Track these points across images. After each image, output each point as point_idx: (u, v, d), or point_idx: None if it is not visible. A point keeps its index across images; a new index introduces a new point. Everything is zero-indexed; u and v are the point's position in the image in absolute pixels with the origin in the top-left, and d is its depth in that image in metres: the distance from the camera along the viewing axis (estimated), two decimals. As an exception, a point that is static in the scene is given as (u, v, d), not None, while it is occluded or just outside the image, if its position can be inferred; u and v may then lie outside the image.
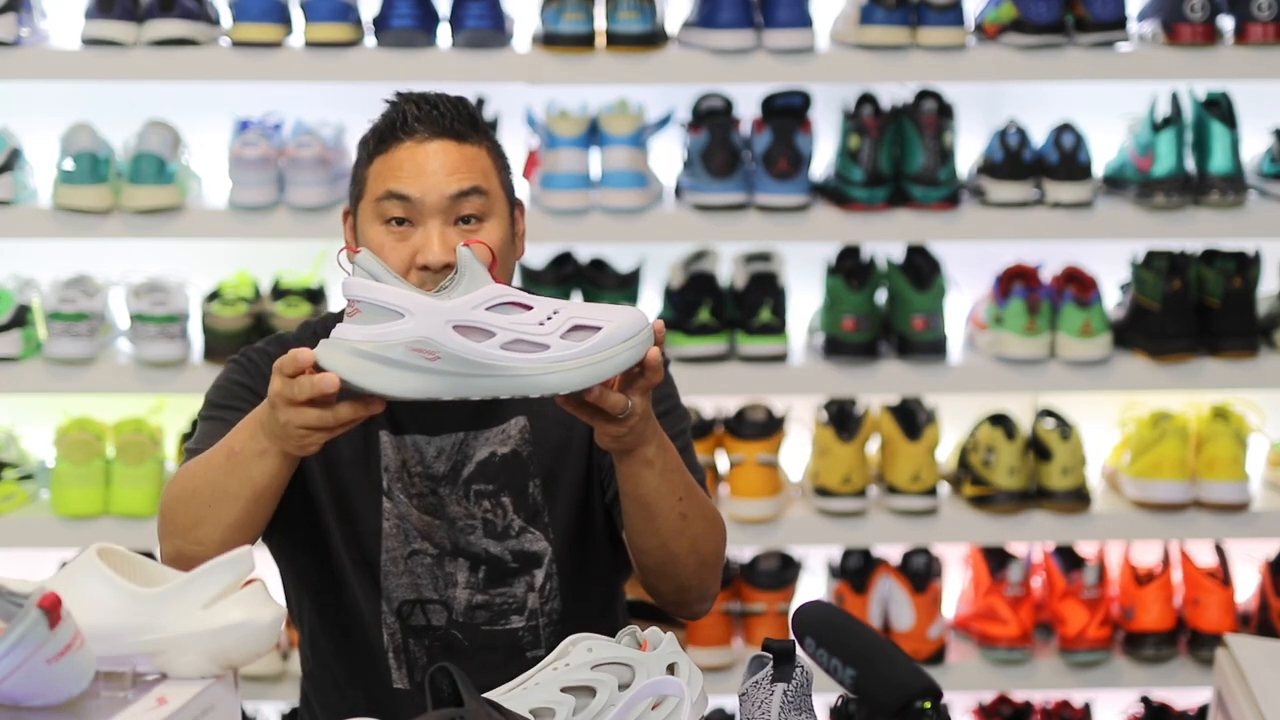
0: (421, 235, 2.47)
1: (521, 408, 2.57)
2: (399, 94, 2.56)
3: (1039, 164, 4.05)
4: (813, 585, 4.19)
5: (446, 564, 2.54)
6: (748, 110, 4.08)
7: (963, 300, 4.21)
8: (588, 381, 2.14)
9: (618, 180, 3.96)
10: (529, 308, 2.16)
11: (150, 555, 2.21)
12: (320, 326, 2.66)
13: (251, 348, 2.63)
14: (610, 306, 2.18)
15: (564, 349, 2.14)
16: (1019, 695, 4.15)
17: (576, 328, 2.15)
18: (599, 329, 2.15)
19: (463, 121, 2.52)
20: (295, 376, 2.16)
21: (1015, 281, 4.06)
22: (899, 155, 4.04)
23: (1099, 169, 4.15)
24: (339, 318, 2.64)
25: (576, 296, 4.04)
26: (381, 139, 2.52)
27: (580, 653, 2.20)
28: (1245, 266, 4.08)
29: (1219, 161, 4.03)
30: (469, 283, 2.16)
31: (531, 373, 2.13)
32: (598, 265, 4.11)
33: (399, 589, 2.54)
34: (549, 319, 2.15)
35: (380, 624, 2.54)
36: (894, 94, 4.09)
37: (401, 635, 2.54)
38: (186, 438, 3.96)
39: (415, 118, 2.51)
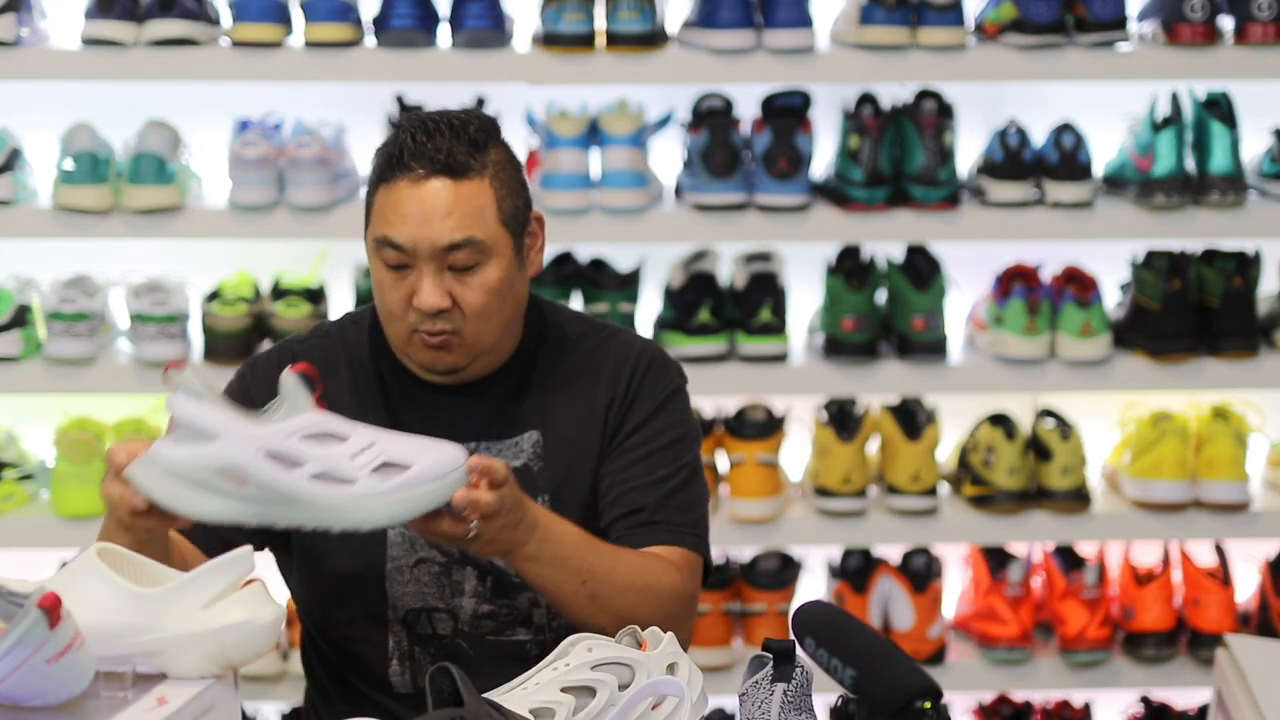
0: (416, 278, 2.45)
1: (535, 422, 2.56)
2: (405, 115, 2.51)
3: (1039, 164, 4.05)
4: (813, 585, 4.19)
5: (454, 572, 2.53)
6: (748, 110, 4.08)
7: (963, 300, 4.21)
8: (392, 519, 2.18)
9: (618, 180, 3.96)
10: (344, 439, 2.18)
11: (150, 555, 2.21)
12: (336, 330, 2.64)
13: (258, 357, 2.63)
14: (430, 443, 2.22)
15: (369, 485, 2.16)
16: (1019, 695, 4.15)
17: (385, 465, 2.17)
18: (407, 468, 2.17)
19: (464, 150, 2.45)
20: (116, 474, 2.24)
21: (1015, 281, 4.06)
22: (899, 155, 4.04)
23: (1099, 169, 4.14)
24: (351, 323, 2.64)
25: (576, 296, 4.04)
26: (384, 168, 2.47)
27: (580, 653, 2.20)
28: (1245, 266, 4.08)
29: (1219, 161, 4.03)
30: (289, 408, 2.18)
31: (336, 506, 2.16)
32: (598, 265, 4.11)
33: (405, 597, 2.53)
34: (362, 452, 2.17)
35: (386, 631, 2.54)
36: (894, 94, 4.09)
37: (408, 643, 2.54)
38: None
39: (411, 153, 2.44)
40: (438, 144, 2.44)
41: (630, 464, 2.55)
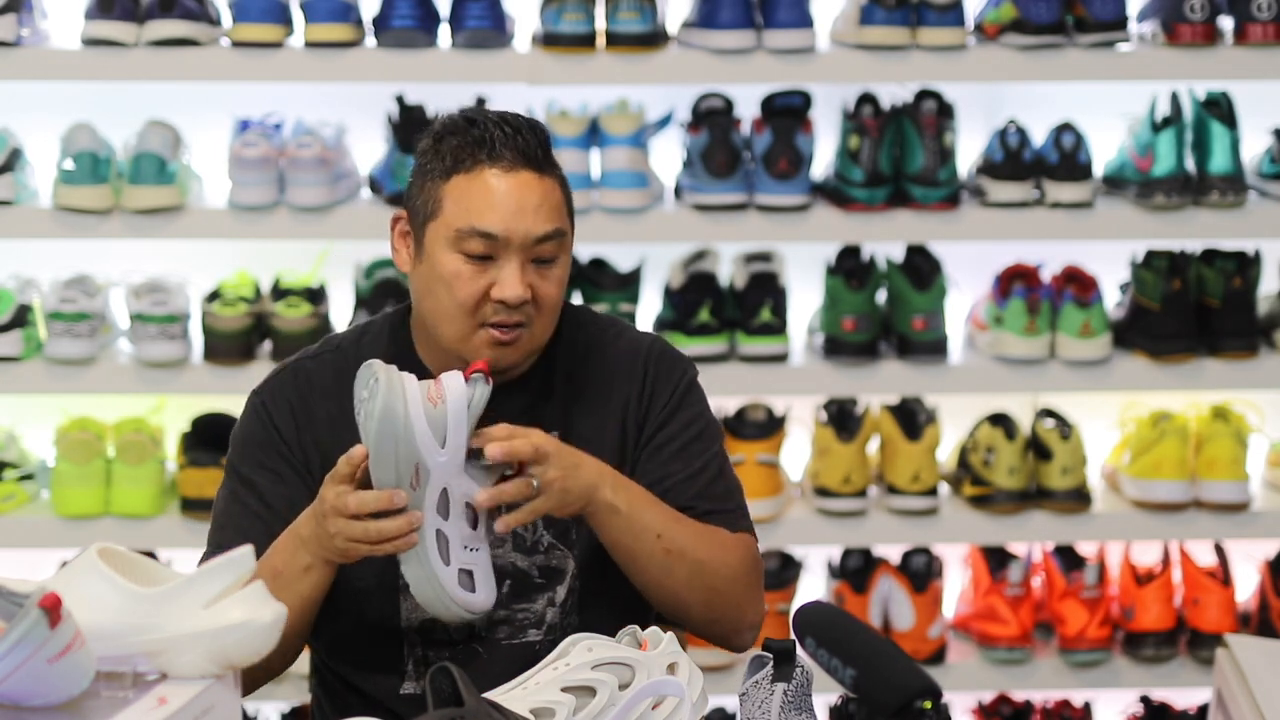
0: (499, 270, 2.45)
1: (555, 422, 2.54)
2: (478, 109, 2.51)
3: (1039, 164, 4.05)
4: (813, 585, 4.19)
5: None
6: (748, 110, 4.08)
7: (963, 300, 4.21)
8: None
9: (618, 180, 3.96)
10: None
11: (151, 555, 2.21)
12: (349, 342, 2.61)
13: (265, 383, 2.60)
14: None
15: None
16: (1019, 695, 4.15)
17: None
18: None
19: (543, 149, 2.50)
20: (350, 477, 2.30)
21: (1015, 281, 4.06)
22: (899, 155, 4.04)
23: (1099, 169, 4.15)
24: (363, 334, 2.61)
25: (577, 296, 4.04)
26: (461, 158, 2.47)
27: (580, 653, 2.21)
28: (1245, 266, 4.08)
29: (1219, 161, 4.03)
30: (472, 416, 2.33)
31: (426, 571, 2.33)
32: (598, 265, 4.11)
33: (419, 608, 2.52)
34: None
35: (400, 639, 2.53)
36: (894, 94, 4.09)
37: (422, 648, 2.53)
38: (187, 437, 3.95)
39: (502, 142, 2.46)
40: (526, 138, 2.48)
41: (664, 462, 2.56)
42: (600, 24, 3.96)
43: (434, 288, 2.48)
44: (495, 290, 2.45)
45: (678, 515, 2.47)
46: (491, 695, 2.18)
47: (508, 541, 2.52)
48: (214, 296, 3.97)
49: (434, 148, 2.50)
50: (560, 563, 2.54)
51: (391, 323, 2.60)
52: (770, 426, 4.04)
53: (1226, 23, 4.04)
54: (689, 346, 3.98)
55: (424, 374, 2.52)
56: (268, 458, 2.52)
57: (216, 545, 2.49)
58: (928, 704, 1.98)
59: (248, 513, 2.50)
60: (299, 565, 2.37)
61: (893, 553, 4.15)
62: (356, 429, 2.35)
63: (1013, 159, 4.02)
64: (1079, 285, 4.08)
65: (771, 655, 2.16)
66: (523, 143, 2.46)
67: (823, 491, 4.04)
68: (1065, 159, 4.03)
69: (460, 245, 2.46)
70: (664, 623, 2.68)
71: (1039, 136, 4.09)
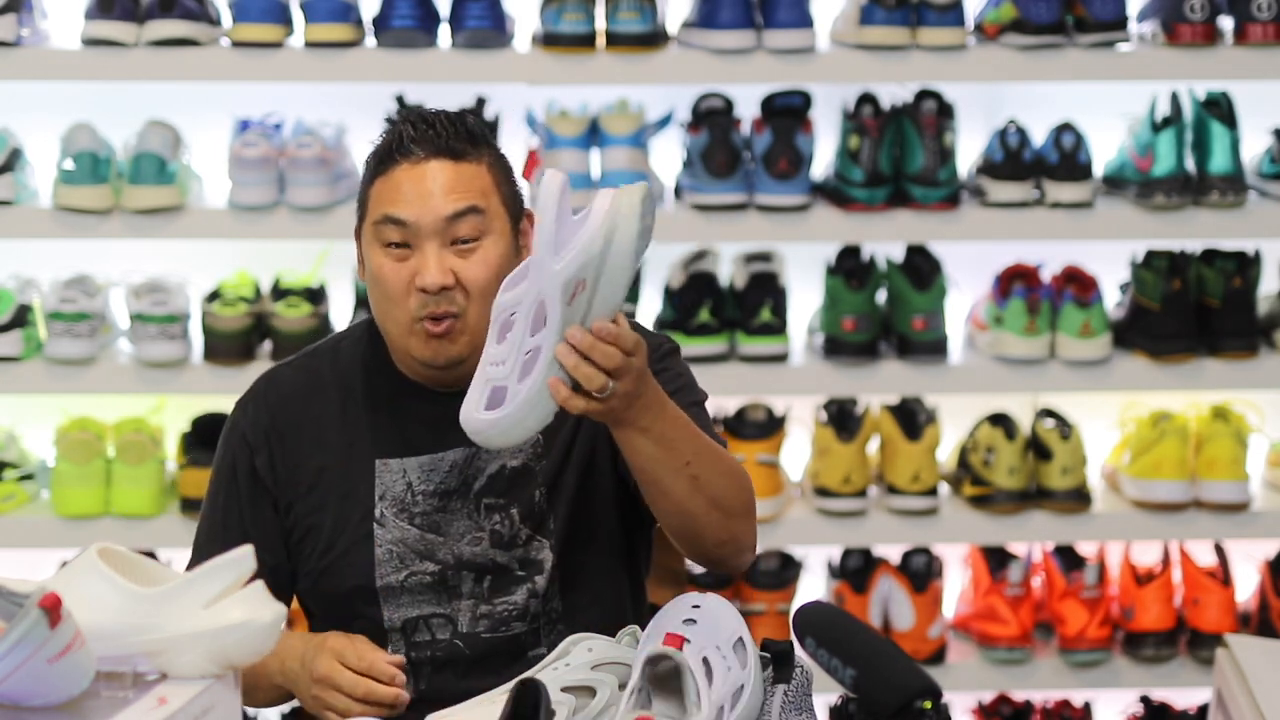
0: (418, 258, 2.47)
1: None
2: (399, 111, 2.56)
3: (1039, 164, 4.05)
4: (813, 585, 4.19)
5: (449, 579, 2.53)
6: (748, 110, 4.08)
7: (963, 300, 4.21)
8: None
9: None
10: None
11: (151, 555, 2.21)
12: (328, 349, 2.64)
13: (246, 395, 2.63)
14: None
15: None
16: (1019, 695, 4.15)
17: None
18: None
19: (460, 138, 2.49)
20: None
21: (1015, 281, 4.06)
22: (899, 155, 4.04)
23: (1099, 169, 4.15)
24: (344, 339, 2.64)
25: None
26: (380, 160, 2.51)
27: (580, 653, 2.21)
28: (1245, 266, 4.08)
29: (1219, 161, 4.03)
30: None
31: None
32: (598, 265, 4.10)
33: (400, 608, 2.53)
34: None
35: (385, 641, 2.54)
36: (894, 94, 4.09)
37: (405, 649, 2.54)
38: (187, 437, 3.95)
39: (411, 138, 2.48)
40: (437, 130, 2.49)
41: None
42: (600, 24, 3.96)
43: (372, 290, 2.52)
44: (417, 279, 2.46)
45: (708, 445, 2.42)
46: (490, 694, 2.19)
47: (485, 539, 2.53)
48: (214, 296, 3.97)
49: (367, 160, 2.55)
50: (538, 554, 2.54)
51: (370, 329, 2.62)
52: (770, 426, 4.04)
53: (1226, 23, 4.04)
54: (689, 346, 3.97)
55: (399, 380, 2.56)
56: (242, 478, 2.58)
57: (197, 548, 2.57)
58: (928, 704, 1.98)
59: (224, 535, 2.55)
60: (270, 675, 2.48)
61: (893, 553, 4.15)
62: (322, 437, 2.49)
63: (1013, 159, 4.02)
64: (1079, 285, 4.08)
65: (771, 655, 2.16)
66: (434, 135, 2.48)
67: (823, 491, 4.04)
68: (1065, 159, 4.03)
69: (380, 237, 2.50)
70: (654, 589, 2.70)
71: (1039, 136, 4.09)
